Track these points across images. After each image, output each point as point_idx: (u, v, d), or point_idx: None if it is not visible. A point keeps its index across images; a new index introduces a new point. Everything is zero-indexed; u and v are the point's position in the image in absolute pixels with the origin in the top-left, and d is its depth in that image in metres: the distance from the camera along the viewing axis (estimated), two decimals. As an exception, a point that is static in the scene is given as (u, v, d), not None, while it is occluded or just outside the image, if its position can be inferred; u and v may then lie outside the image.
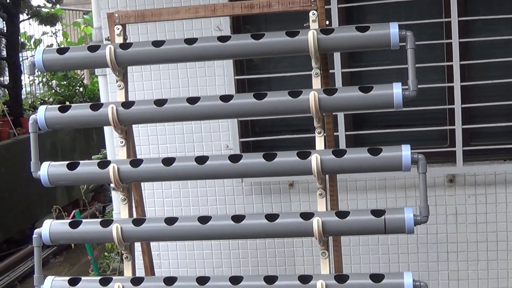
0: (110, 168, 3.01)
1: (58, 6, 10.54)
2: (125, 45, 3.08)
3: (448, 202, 4.33)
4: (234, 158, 2.97)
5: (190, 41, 3.02)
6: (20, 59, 9.09)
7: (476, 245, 4.35)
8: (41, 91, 10.42)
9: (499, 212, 4.31)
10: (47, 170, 3.09)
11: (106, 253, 6.17)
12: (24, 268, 7.09)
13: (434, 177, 4.27)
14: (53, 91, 10.07)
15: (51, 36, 10.78)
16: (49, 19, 9.62)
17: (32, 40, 10.22)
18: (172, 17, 3.19)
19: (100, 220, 3.09)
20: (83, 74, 10.06)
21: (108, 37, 3.24)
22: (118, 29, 3.16)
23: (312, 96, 2.87)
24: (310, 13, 3.01)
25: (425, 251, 4.39)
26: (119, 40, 3.15)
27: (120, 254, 5.69)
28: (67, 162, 3.09)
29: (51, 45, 10.69)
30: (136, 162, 3.04)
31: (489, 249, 4.34)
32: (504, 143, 4.26)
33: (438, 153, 4.24)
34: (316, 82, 2.99)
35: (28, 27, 10.25)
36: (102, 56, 3.05)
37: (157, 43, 3.04)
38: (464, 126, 4.19)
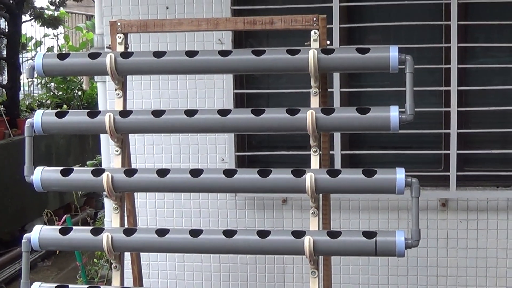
0: (104, 177, 3.01)
1: (61, 8, 10.55)
2: (125, 54, 3.09)
3: (440, 226, 4.33)
4: (229, 173, 2.97)
5: (191, 53, 3.03)
6: (20, 60, 9.08)
7: (465, 270, 4.35)
8: (39, 93, 10.40)
9: (489, 239, 4.31)
10: (40, 175, 3.09)
11: (95, 260, 6.14)
12: (11, 271, 7.03)
13: (427, 200, 4.28)
14: (51, 93, 10.04)
15: (53, 38, 10.77)
16: (51, 22, 9.60)
17: (33, 42, 10.21)
18: (175, 29, 3.20)
19: (90, 228, 3.08)
20: (82, 78, 10.06)
21: (109, 45, 3.24)
22: (120, 37, 3.17)
23: (310, 115, 2.89)
24: (312, 32, 3.03)
25: (415, 274, 4.38)
26: (120, 48, 3.16)
27: (109, 262, 5.66)
28: (60, 168, 3.09)
29: (52, 47, 10.69)
30: (130, 172, 3.04)
31: (478, 275, 4.34)
32: (498, 170, 4.27)
33: (432, 177, 4.25)
34: (314, 101, 3.00)
35: (30, 28, 10.24)
36: (102, 64, 3.06)
37: (158, 54, 3.05)
38: (459, 151, 4.20)
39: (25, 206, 7.79)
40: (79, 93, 10.07)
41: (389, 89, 4.25)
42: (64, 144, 8.88)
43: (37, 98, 9.99)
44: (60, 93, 10.01)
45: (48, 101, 9.79)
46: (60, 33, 11.05)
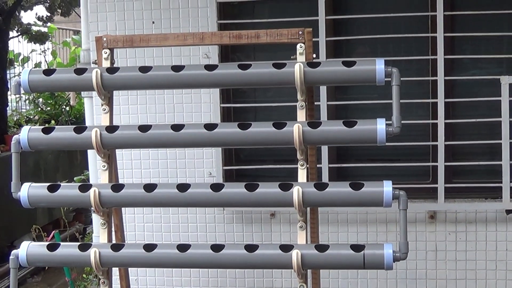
0: (91, 192, 3.00)
1: (49, 24, 10.55)
2: (111, 70, 3.08)
3: (428, 238, 4.33)
4: (216, 187, 2.97)
5: (177, 68, 3.03)
6: (8, 76, 9.06)
7: (455, 282, 4.34)
8: (27, 109, 10.38)
9: (478, 250, 4.31)
10: (28, 191, 3.08)
11: (84, 275, 6.11)
12: (0, 287, 7.00)
13: (416, 213, 4.28)
14: (39, 109, 10.03)
15: (40, 54, 10.76)
16: (38, 37, 9.61)
17: (20, 58, 10.20)
18: (161, 44, 3.20)
19: (78, 244, 3.07)
20: (70, 94, 10.05)
21: (96, 60, 3.24)
22: (106, 53, 3.17)
23: (296, 129, 2.89)
24: (298, 46, 3.04)
25: (404, 287, 4.37)
26: (106, 64, 3.16)
27: (98, 277, 5.63)
28: (47, 184, 3.08)
29: (40, 63, 10.68)
30: (117, 187, 3.03)
31: (467, 287, 4.34)
32: (486, 181, 4.28)
33: (420, 189, 4.26)
34: (301, 115, 3.00)
35: (17, 44, 10.23)
36: (88, 80, 3.05)
37: (144, 69, 3.05)
38: (447, 163, 4.21)
39: (14, 222, 7.75)
40: (67, 108, 10.05)
41: (376, 102, 4.26)
42: (52, 160, 8.84)
43: (24, 114, 9.97)
44: (48, 108, 10.00)
45: (36, 117, 9.78)
46: (48, 48, 11.04)
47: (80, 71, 3.09)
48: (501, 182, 4.15)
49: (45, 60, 10.79)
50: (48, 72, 3.13)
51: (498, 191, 4.21)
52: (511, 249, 4.28)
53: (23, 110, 10.31)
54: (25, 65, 10.24)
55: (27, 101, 10.25)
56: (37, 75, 3.14)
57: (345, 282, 4.41)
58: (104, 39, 3.17)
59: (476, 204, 4.25)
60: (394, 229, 4.31)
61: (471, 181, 4.32)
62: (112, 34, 3.38)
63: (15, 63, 10.06)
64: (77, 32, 12.09)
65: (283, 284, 4.47)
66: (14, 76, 9.68)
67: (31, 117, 9.84)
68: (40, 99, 10.03)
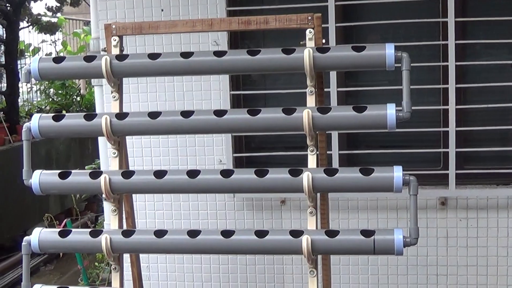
0: (102, 179, 3.00)
1: (59, 14, 10.56)
2: (121, 57, 3.08)
3: (439, 225, 4.32)
4: (226, 173, 2.96)
5: (186, 55, 3.02)
6: (18, 66, 9.09)
7: (466, 269, 4.34)
8: (38, 99, 10.41)
9: (489, 237, 4.30)
10: (39, 178, 3.08)
11: (96, 263, 6.15)
12: (13, 275, 7.07)
13: (426, 199, 4.27)
14: (50, 99, 10.06)
15: (50, 44, 10.79)
16: (48, 28, 9.63)
17: (31, 48, 10.22)
18: (169, 30, 3.20)
19: (89, 230, 3.08)
20: (80, 84, 10.08)
21: (105, 47, 3.24)
22: (115, 40, 3.16)
23: (306, 114, 2.87)
24: (307, 31, 3.02)
25: (415, 273, 4.37)
26: (115, 51, 3.16)
27: (111, 264, 5.66)
28: (58, 171, 3.08)
29: (50, 53, 10.70)
30: (127, 174, 3.04)
31: (479, 273, 4.33)
32: (497, 167, 4.26)
33: (431, 175, 4.24)
34: (311, 100, 2.99)
35: (28, 34, 10.25)
36: (98, 67, 3.05)
37: (153, 56, 3.04)
38: (458, 150, 4.19)
39: (26, 211, 7.82)
40: (78, 98, 10.08)
41: (386, 87, 4.24)
42: (64, 149, 8.89)
43: (36, 104, 10.01)
44: (59, 99, 10.03)
45: (47, 107, 9.81)
46: (58, 39, 11.06)
47: (89, 59, 3.09)
48: (513, 168, 4.15)
49: (56, 51, 10.81)
50: (58, 59, 3.12)
51: (509, 177, 4.21)
52: (522, 235, 4.28)
53: (34, 101, 10.34)
54: (36, 55, 10.25)
55: (38, 92, 10.28)
56: (46, 63, 3.14)
57: (356, 268, 4.41)
58: (113, 26, 3.17)
59: (487, 191, 4.24)
60: (405, 216, 4.30)
61: (482, 167, 4.31)
62: (121, 22, 3.38)
63: (26, 54, 10.07)
64: (88, 23, 12.10)
65: (294, 270, 4.47)
66: (25, 66, 9.70)
67: (42, 107, 9.87)
68: (51, 89, 10.05)
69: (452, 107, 4.15)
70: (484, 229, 4.30)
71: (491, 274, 4.33)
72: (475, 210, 4.29)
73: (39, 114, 3.13)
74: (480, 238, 4.31)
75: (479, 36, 4.25)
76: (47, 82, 9.76)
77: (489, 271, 4.33)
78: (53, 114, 3.14)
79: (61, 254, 6.48)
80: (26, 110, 9.47)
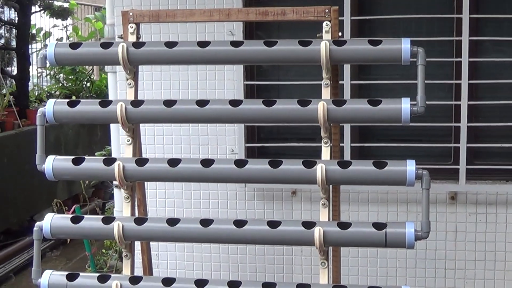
0: (116, 166, 3.01)
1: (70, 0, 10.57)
2: (137, 44, 3.09)
3: (448, 219, 4.34)
4: (240, 163, 2.98)
5: (203, 44, 3.03)
6: (30, 51, 9.09)
7: (474, 263, 4.36)
8: (48, 84, 10.42)
9: (498, 232, 4.32)
10: (52, 164, 3.09)
11: (103, 250, 6.18)
12: (20, 260, 7.08)
13: (436, 194, 4.28)
14: (60, 84, 10.07)
15: (62, 29, 10.79)
16: (60, 13, 9.62)
17: (42, 33, 10.22)
18: (187, 19, 3.21)
19: (102, 217, 3.10)
20: (92, 69, 10.08)
21: (121, 35, 3.25)
22: (132, 27, 3.18)
23: (321, 106, 2.89)
24: (324, 24, 3.03)
25: (423, 267, 4.39)
26: (132, 38, 3.17)
27: (118, 252, 5.69)
28: (72, 157, 3.10)
29: (61, 38, 10.70)
30: (141, 161, 3.05)
31: (486, 268, 4.35)
32: (507, 163, 4.27)
33: (441, 170, 4.25)
34: (326, 93, 3.00)
35: (39, 19, 10.25)
36: (114, 54, 3.06)
37: (170, 44, 3.05)
38: (469, 145, 4.20)
39: (34, 197, 7.83)
40: (88, 84, 10.09)
41: (400, 82, 4.25)
42: (73, 136, 8.90)
43: (46, 89, 10.02)
44: (69, 84, 10.03)
45: (57, 92, 9.82)
46: (69, 24, 11.07)
47: (106, 45, 3.10)
48: (523, 165, 4.16)
49: (67, 36, 10.81)
50: (74, 45, 3.14)
51: (519, 173, 4.21)
52: (531, 231, 4.30)
53: (44, 86, 10.35)
54: (47, 40, 10.25)
55: (48, 77, 10.29)
56: (63, 48, 3.16)
57: (365, 260, 4.43)
58: (131, 13, 3.18)
59: (497, 186, 4.25)
60: (415, 210, 4.32)
61: (493, 163, 4.32)
62: (138, 9, 3.39)
63: (37, 38, 10.07)
64: (99, 9, 12.11)
65: (303, 261, 4.49)
66: (36, 51, 9.72)
67: (52, 92, 9.88)
68: (62, 75, 10.05)
69: (464, 102, 4.16)
70: (493, 224, 4.31)
71: (498, 269, 4.35)
72: (484, 205, 4.31)
73: (54, 99, 3.14)
74: (489, 233, 4.33)
75: (493, 32, 4.25)
76: (57, 67, 9.75)
77: (497, 266, 4.35)
78: (68, 100, 3.15)
79: (68, 240, 6.51)
80: (36, 94, 9.48)
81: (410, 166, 2.86)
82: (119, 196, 4.78)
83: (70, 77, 10.00)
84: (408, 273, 4.41)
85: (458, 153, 4.21)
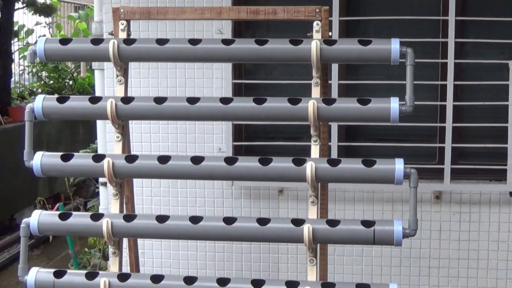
0: (105, 162, 3.02)
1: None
2: (128, 41, 3.10)
3: (433, 218, 4.38)
4: (230, 161, 2.99)
5: (194, 41, 3.04)
6: (12, 48, 9.03)
7: (457, 262, 4.40)
8: (30, 82, 10.34)
9: (481, 231, 4.37)
10: (41, 160, 3.08)
11: (86, 249, 6.14)
12: (0, 260, 7.03)
13: (421, 193, 4.32)
14: (42, 82, 10.01)
15: (44, 27, 10.72)
16: (44, 10, 9.57)
17: (25, 30, 10.14)
18: (178, 17, 3.21)
19: (90, 213, 3.09)
20: (74, 67, 10.02)
21: (111, 31, 3.25)
22: (123, 24, 3.18)
23: (311, 105, 2.91)
24: (314, 23, 3.05)
25: (408, 265, 4.43)
26: (122, 35, 3.17)
27: (102, 250, 5.67)
28: (61, 153, 3.10)
29: (44, 35, 10.63)
30: (131, 158, 3.05)
31: (470, 266, 4.40)
32: (491, 163, 4.32)
33: (426, 170, 4.29)
34: (316, 91, 3.03)
35: (22, 16, 10.17)
36: (105, 50, 3.07)
37: (161, 41, 3.07)
38: (454, 145, 4.24)
39: (15, 196, 7.76)
40: (70, 82, 10.04)
41: (387, 82, 4.28)
42: (55, 134, 8.84)
43: (28, 87, 9.95)
44: (51, 82, 9.97)
45: (39, 90, 9.75)
46: (54, 22, 11.00)
47: (96, 41, 3.11)
48: (506, 165, 4.21)
49: (50, 33, 10.75)
50: (64, 41, 3.14)
51: (502, 173, 4.26)
52: (513, 230, 4.35)
53: (26, 83, 10.28)
54: (29, 37, 10.17)
55: (30, 74, 10.22)
56: (53, 44, 3.15)
57: (350, 259, 4.46)
58: (121, 10, 3.18)
59: (481, 186, 4.31)
60: (400, 209, 4.36)
61: (477, 163, 4.36)
62: (127, 6, 3.39)
63: (19, 35, 10.00)
64: (81, 7, 12.05)
65: (289, 260, 4.51)
66: (19, 48, 9.65)
67: (34, 90, 9.82)
68: (44, 72, 9.99)
69: (449, 103, 4.21)
70: (476, 224, 4.37)
71: (481, 267, 4.40)
72: (468, 205, 4.36)
73: (43, 95, 3.13)
74: (472, 232, 4.38)
75: (479, 35, 4.29)
76: (39, 65, 9.68)
77: (480, 264, 4.40)
78: (57, 96, 3.14)
79: (50, 238, 6.46)
80: (18, 92, 9.41)
81: (399, 165, 2.90)
82: (105, 194, 4.77)
83: (52, 74, 9.94)
84: (393, 271, 4.45)
85: (443, 153, 4.26)
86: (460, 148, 4.32)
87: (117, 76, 3.15)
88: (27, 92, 9.47)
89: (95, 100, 3.09)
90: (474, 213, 4.36)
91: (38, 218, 3.07)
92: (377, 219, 2.98)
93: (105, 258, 5.54)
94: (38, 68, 9.78)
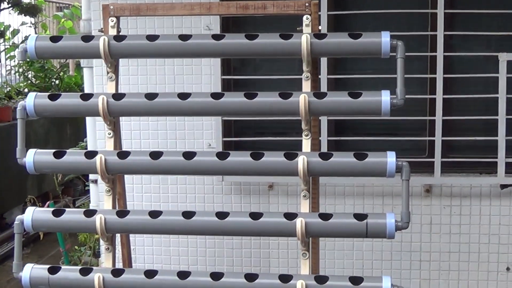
0: (98, 159, 3.02)
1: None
2: (119, 38, 3.10)
3: (423, 212, 4.40)
4: (221, 156, 3.00)
5: (184, 37, 3.05)
6: (-2, 48, 9.00)
7: (448, 255, 4.43)
8: (17, 81, 10.29)
9: (472, 224, 4.39)
10: (33, 157, 3.09)
11: (76, 247, 6.13)
12: (-11, 258, 7.00)
13: (412, 186, 4.31)
14: (29, 81, 9.96)
15: (30, 27, 10.66)
16: (29, 10, 9.52)
17: (10, 30, 10.08)
18: (167, 13, 3.22)
19: (83, 210, 3.10)
20: (60, 67, 9.98)
21: (101, 28, 3.25)
22: (113, 21, 3.18)
23: (302, 99, 2.92)
24: (304, 18, 3.07)
25: (399, 259, 4.45)
26: (112, 32, 3.18)
27: (92, 248, 5.66)
28: (53, 150, 3.10)
29: (30, 35, 10.57)
30: (123, 154, 3.06)
31: (460, 259, 4.42)
32: (481, 156, 4.34)
33: (416, 163, 4.29)
34: (306, 86, 3.04)
35: (8, 16, 10.12)
36: (96, 47, 3.07)
37: (151, 37, 3.07)
38: (444, 138, 4.26)
39: (3, 195, 7.73)
40: (57, 81, 10.00)
41: (376, 76, 4.29)
42: (43, 133, 8.81)
43: (15, 87, 9.90)
44: (38, 81, 9.93)
45: (26, 90, 9.70)
46: (40, 21, 10.94)
47: (87, 39, 3.11)
48: (497, 158, 4.23)
49: (36, 33, 10.68)
50: (55, 39, 3.14)
51: (493, 166, 4.28)
52: (504, 223, 4.37)
53: (13, 83, 10.22)
54: (15, 38, 10.11)
55: (16, 74, 10.17)
56: (44, 41, 3.16)
57: (341, 253, 4.47)
58: (111, 7, 3.19)
59: (471, 179, 4.33)
60: (390, 203, 4.37)
61: (467, 156, 4.39)
62: (118, 3, 3.39)
63: (5, 36, 9.94)
64: (67, 6, 11.99)
65: (280, 255, 4.52)
66: (5, 49, 9.59)
67: (21, 89, 9.76)
68: (30, 72, 9.95)
69: (439, 96, 4.23)
70: (467, 217, 4.39)
71: (472, 260, 4.42)
72: (458, 198, 4.38)
73: (34, 93, 3.13)
74: (463, 225, 4.40)
75: (467, 27, 4.31)
76: (26, 64, 9.64)
77: (471, 257, 4.42)
78: (48, 94, 3.14)
79: (41, 237, 6.44)
80: (6, 92, 9.36)
81: (391, 158, 2.92)
82: (95, 191, 4.77)
83: (39, 74, 9.89)
84: (384, 265, 4.47)
85: (433, 146, 4.27)
86: (450, 141, 4.34)
87: (108, 73, 3.16)
88: (14, 92, 9.40)
89: (86, 97, 3.09)
90: (464, 206, 4.38)
91: (32, 215, 3.09)
92: (369, 213, 2.99)
93: (96, 255, 5.53)
94: (24, 68, 9.73)
